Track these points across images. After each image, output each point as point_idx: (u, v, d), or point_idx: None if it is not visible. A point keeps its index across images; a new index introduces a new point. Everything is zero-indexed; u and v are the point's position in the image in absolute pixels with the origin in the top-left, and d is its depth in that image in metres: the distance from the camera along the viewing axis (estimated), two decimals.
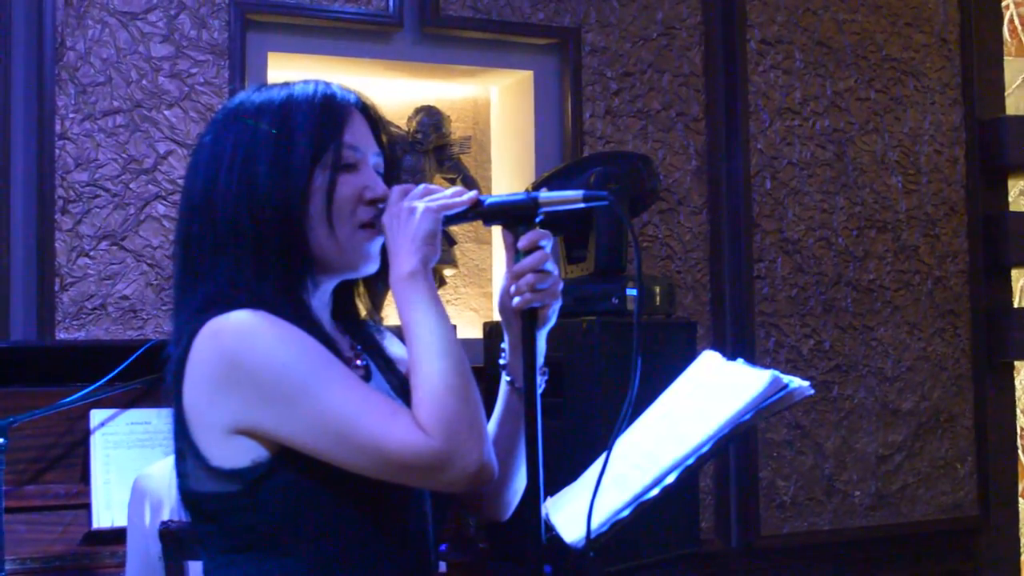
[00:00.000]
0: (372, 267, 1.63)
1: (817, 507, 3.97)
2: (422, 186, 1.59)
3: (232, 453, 1.49)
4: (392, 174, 1.67)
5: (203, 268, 1.57)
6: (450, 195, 1.58)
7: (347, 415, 1.45)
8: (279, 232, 1.55)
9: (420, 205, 1.56)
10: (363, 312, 1.76)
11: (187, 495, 1.56)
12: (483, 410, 1.51)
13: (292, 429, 1.46)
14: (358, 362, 1.66)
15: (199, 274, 1.57)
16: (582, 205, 1.57)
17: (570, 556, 1.64)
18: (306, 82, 1.64)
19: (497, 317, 1.69)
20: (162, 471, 2.31)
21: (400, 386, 1.66)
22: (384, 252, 1.61)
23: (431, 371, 1.49)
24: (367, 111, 1.66)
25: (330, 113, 1.60)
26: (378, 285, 1.72)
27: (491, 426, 1.70)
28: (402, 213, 1.56)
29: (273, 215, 1.55)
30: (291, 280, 1.57)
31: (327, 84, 1.64)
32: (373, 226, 1.60)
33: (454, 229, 3.71)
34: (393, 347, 1.76)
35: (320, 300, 1.65)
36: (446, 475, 1.46)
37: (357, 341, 1.71)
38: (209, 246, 1.57)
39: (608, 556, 2.81)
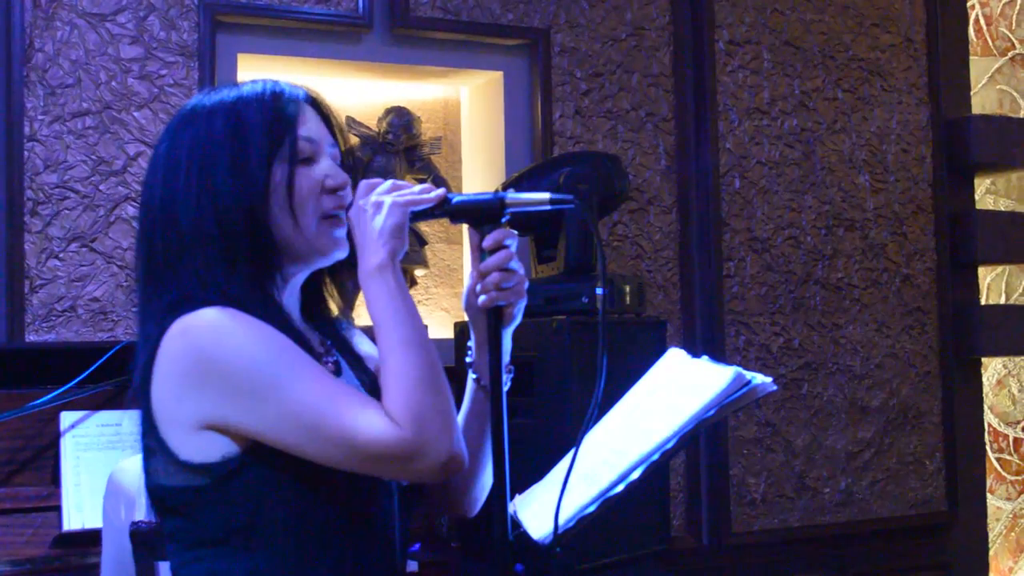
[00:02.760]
0: (341, 253, 1.64)
1: (787, 504, 4.00)
2: (389, 181, 1.61)
3: (201, 448, 1.50)
4: (348, 164, 1.69)
5: (168, 273, 1.57)
6: (418, 191, 1.60)
7: (317, 408, 1.46)
8: (244, 232, 1.56)
9: (387, 199, 1.57)
10: (334, 310, 1.78)
11: (155, 491, 1.57)
12: (452, 401, 1.53)
13: (262, 423, 1.47)
14: (328, 358, 1.67)
15: (164, 279, 1.58)
16: (548, 207, 1.58)
17: (538, 553, 1.65)
18: (254, 81, 1.65)
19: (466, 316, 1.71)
20: (137, 466, 2.30)
21: (370, 383, 1.67)
22: (352, 245, 1.62)
23: (400, 362, 1.51)
24: (318, 105, 1.68)
25: (281, 109, 1.61)
26: (347, 281, 1.74)
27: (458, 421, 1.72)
28: (369, 207, 1.57)
29: (236, 216, 1.56)
30: (260, 277, 1.58)
31: (275, 82, 1.65)
32: (336, 216, 1.61)
33: (425, 229, 3.73)
34: (363, 345, 1.78)
35: (289, 297, 1.66)
36: (417, 465, 1.47)
37: (327, 338, 1.72)
38: (174, 252, 1.57)
39: (579, 554, 2.82)
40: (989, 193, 4.79)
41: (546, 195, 1.58)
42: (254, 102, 1.61)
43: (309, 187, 1.60)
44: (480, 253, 1.61)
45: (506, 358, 1.62)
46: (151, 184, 1.63)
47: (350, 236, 1.62)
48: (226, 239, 1.56)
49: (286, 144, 1.60)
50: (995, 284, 4.82)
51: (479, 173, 3.83)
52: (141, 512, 2.24)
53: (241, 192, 1.57)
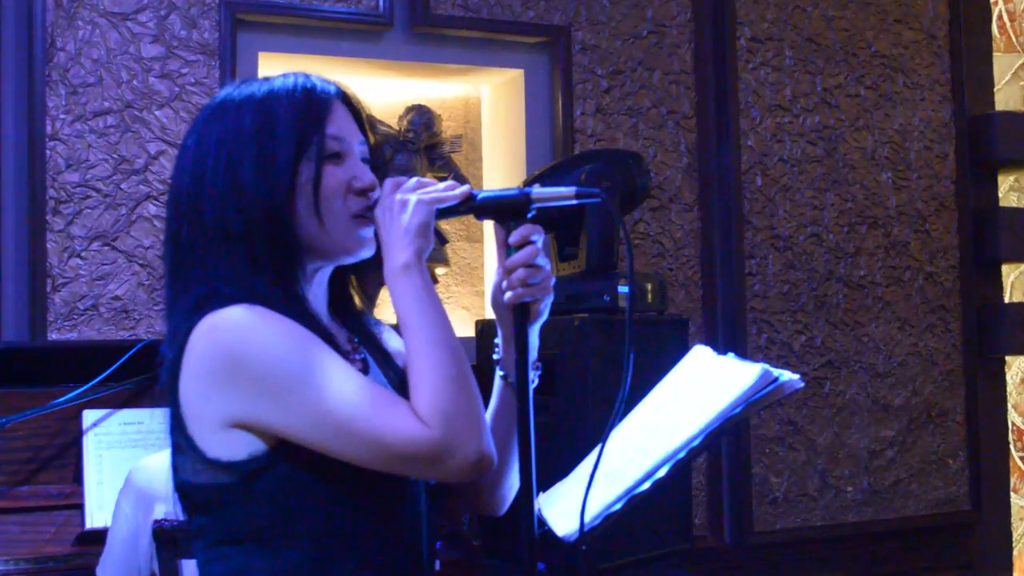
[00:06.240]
0: (368, 251, 1.63)
1: (810, 503, 3.98)
2: (415, 179, 1.59)
3: (229, 446, 1.49)
4: (378, 162, 1.67)
5: (195, 268, 1.56)
6: (443, 188, 1.58)
7: (345, 407, 1.45)
8: (269, 229, 1.55)
9: (413, 197, 1.56)
10: (359, 304, 1.77)
11: (182, 487, 1.57)
12: (481, 400, 1.51)
13: (290, 422, 1.46)
14: (355, 356, 1.66)
15: (191, 274, 1.57)
16: (574, 202, 1.57)
17: (563, 551, 1.64)
18: (286, 76, 1.63)
19: (490, 314, 1.69)
20: (156, 465, 2.29)
21: (398, 380, 1.66)
22: (378, 244, 1.61)
23: (428, 362, 1.49)
24: (348, 101, 1.66)
25: (312, 105, 1.60)
26: (371, 280, 1.72)
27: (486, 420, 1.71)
28: (395, 205, 1.56)
29: (262, 212, 1.55)
30: (285, 274, 1.57)
31: (307, 76, 1.64)
32: (364, 216, 1.60)
33: (446, 228, 3.72)
34: (392, 341, 1.76)
35: (316, 293, 1.65)
36: (445, 465, 1.46)
37: (355, 334, 1.71)
38: (200, 247, 1.56)
39: (602, 553, 2.81)
40: (1013, 190, 4.75)
41: (572, 189, 1.57)
42: (284, 97, 1.60)
43: (335, 186, 1.59)
44: (506, 249, 1.59)
45: (533, 355, 1.61)
46: (178, 177, 1.62)
47: (376, 234, 1.60)
48: (249, 236, 1.55)
49: (314, 141, 1.58)
50: (1019, 282, 4.78)
51: (499, 171, 3.83)
52: (158, 512, 2.23)
53: (266, 190, 1.55)
